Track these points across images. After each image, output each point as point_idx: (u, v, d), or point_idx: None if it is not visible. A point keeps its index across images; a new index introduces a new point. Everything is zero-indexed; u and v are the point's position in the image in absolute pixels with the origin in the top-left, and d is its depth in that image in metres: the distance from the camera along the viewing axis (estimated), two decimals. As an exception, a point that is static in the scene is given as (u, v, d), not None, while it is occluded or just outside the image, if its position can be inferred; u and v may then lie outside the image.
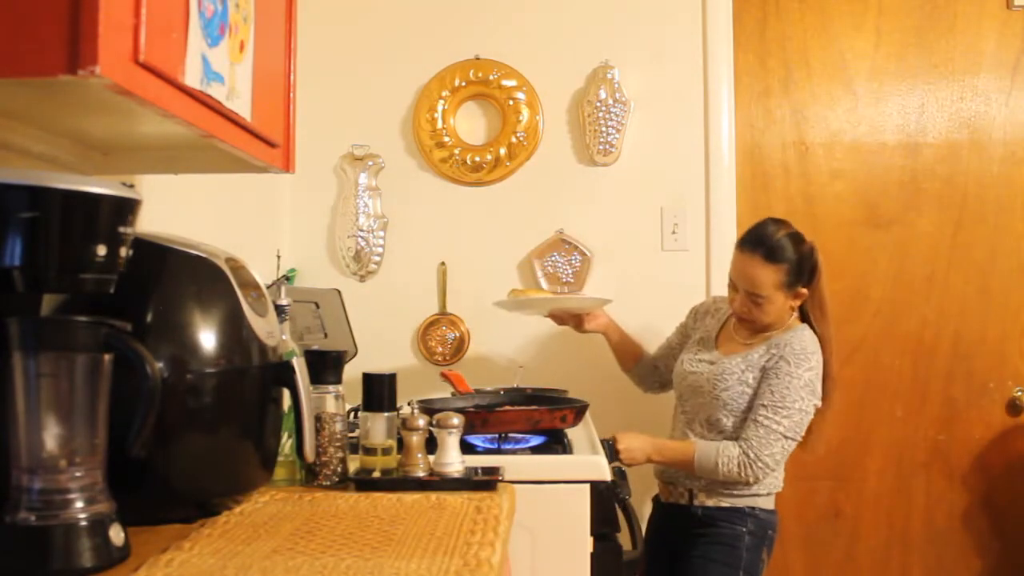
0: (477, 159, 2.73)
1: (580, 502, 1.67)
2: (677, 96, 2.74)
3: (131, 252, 1.00)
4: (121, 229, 0.96)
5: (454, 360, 2.74)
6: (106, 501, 0.95)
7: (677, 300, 2.54)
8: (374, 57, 2.77)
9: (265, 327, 1.21)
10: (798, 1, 2.80)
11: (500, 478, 1.36)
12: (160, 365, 1.02)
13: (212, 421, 1.13)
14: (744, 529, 2.07)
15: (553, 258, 2.73)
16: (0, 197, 0.88)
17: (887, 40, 2.79)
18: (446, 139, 2.74)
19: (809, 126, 2.81)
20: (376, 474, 1.39)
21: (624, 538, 1.81)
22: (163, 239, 1.15)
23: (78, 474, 0.93)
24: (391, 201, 2.77)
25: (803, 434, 2.05)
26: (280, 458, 1.34)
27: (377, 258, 2.76)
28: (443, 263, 2.75)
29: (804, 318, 2.15)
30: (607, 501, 1.72)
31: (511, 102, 2.73)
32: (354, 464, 1.44)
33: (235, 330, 1.16)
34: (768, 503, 2.12)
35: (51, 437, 0.92)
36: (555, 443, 1.85)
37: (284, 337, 1.34)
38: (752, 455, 2.00)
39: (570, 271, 2.72)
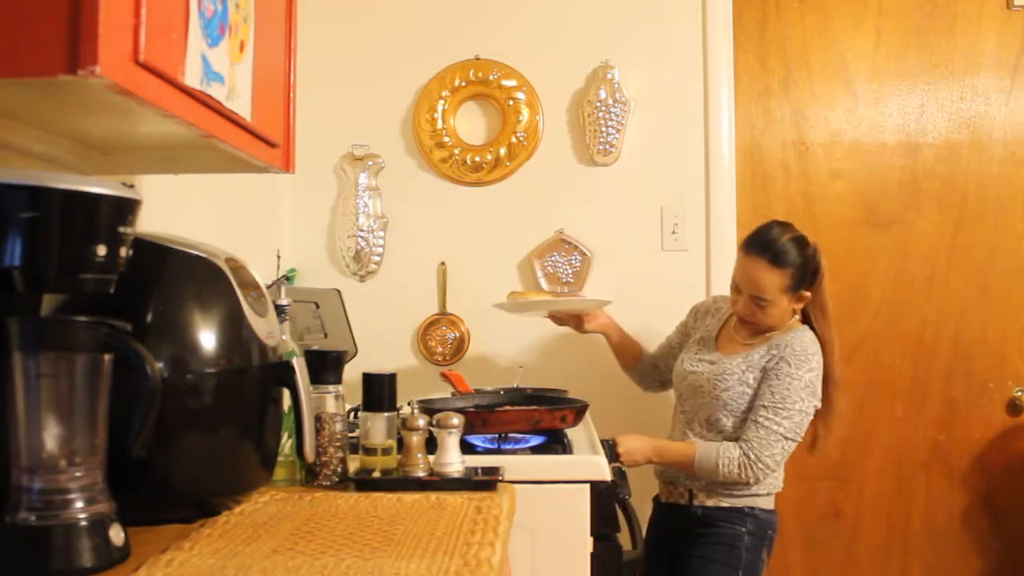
0: (477, 159, 2.73)
1: (580, 502, 1.67)
2: (677, 96, 2.74)
3: (131, 252, 1.00)
4: (121, 229, 0.96)
5: (454, 360, 2.74)
6: (106, 501, 0.95)
7: (677, 300, 2.54)
8: (374, 57, 2.77)
9: (265, 327, 1.21)
10: (798, 1, 2.80)
11: (500, 478, 1.36)
12: (160, 365, 1.02)
13: (212, 421, 1.13)
14: (744, 529, 2.08)
15: (553, 258, 2.73)
16: (0, 197, 0.88)
17: (887, 40, 2.79)
18: (446, 139, 2.74)
19: (809, 126, 2.81)
20: (376, 474, 1.39)
21: (624, 538, 1.81)
22: (163, 239, 1.15)
23: (78, 474, 0.93)
24: (391, 201, 2.77)
25: (803, 435, 2.05)
26: (280, 458, 1.34)
27: (377, 258, 2.76)
28: (443, 263, 2.75)
29: (805, 319, 2.15)
30: (607, 501, 1.72)
31: (511, 102, 2.73)
32: (354, 464, 1.44)
33: (235, 330, 1.16)
34: (768, 503, 2.12)
35: (51, 437, 0.92)
36: (555, 443, 1.85)
37: (284, 337, 1.34)
38: (753, 456, 2.00)
39: (570, 271, 2.72)
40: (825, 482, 2.76)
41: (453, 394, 2.18)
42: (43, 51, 0.81)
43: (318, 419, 1.36)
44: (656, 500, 2.29)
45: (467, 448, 1.73)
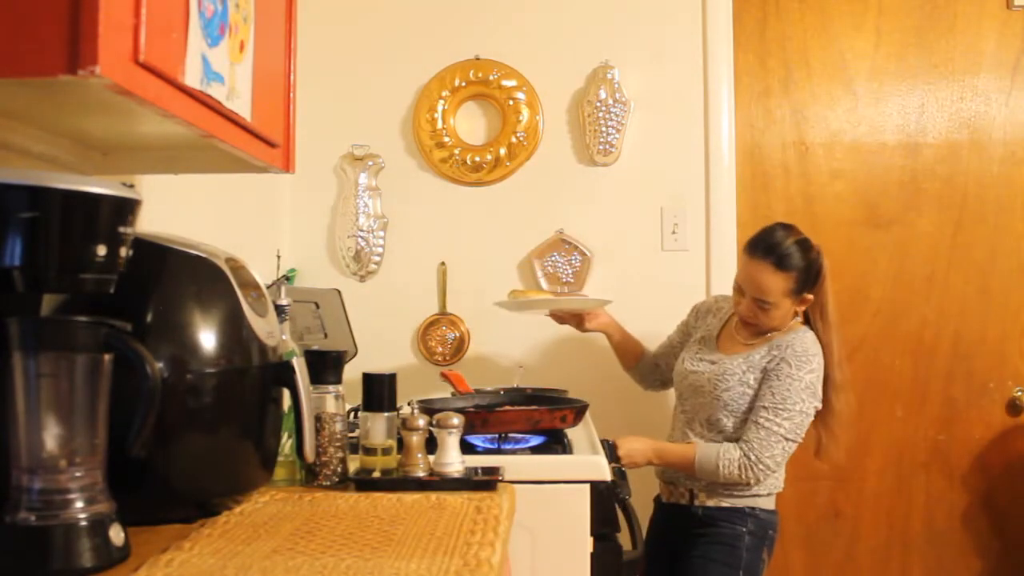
0: (477, 159, 2.73)
1: (580, 502, 1.67)
2: (677, 96, 2.74)
3: (131, 252, 1.00)
4: (121, 229, 0.96)
5: (454, 360, 2.74)
6: (106, 501, 0.95)
7: (677, 300, 2.54)
8: (374, 57, 2.77)
9: (265, 327, 1.21)
10: (798, 1, 2.80)
11: (500, 478, 1.36)
12: (160, 365, 1.02)
13: (212, 421, 1.13)
14: (744, 529, 2.08)
15: (553, 258, 2.73)
16: (0, 197, 0.88)
17: (887, 40, 2.79)
18: (446, 139, 2.74)
19: (809, 126, 2.81)
20: (376, 474, 1.39)
21: (624, 538, 1.81)
22: (163, 239, 1.15)
23: (78, 474, 0.93)
24: (391, 201, 2.77)
25: (803, 435, 2.05)
26: (280, 458, 1.34)
27: (377, 258, 2.76)
28: (443, 263, 2.75)
29: (806, 319, 2.15)
30: (607, 501, 1.72)
31: (511, 102, 2.73)
32: (354, 464, 1.44)
33: (235, 330, 1.16)
34: (769, 503, 2.12)
35: (51, 437, 0.92)
36: (555, 443, 1.85)
37: (284, 337, 1.34)
38: (753, 457, 2.00)
39: (570, 271, 2.72)
40: (825, 482, 2.76)
41: (453, 394, 2.17)
42: (43, 51, 0.81)
43: (318, 419, 1.36)
44: (657, 500, 2.29)
45: (467, 448, 1.73)
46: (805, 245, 2.08)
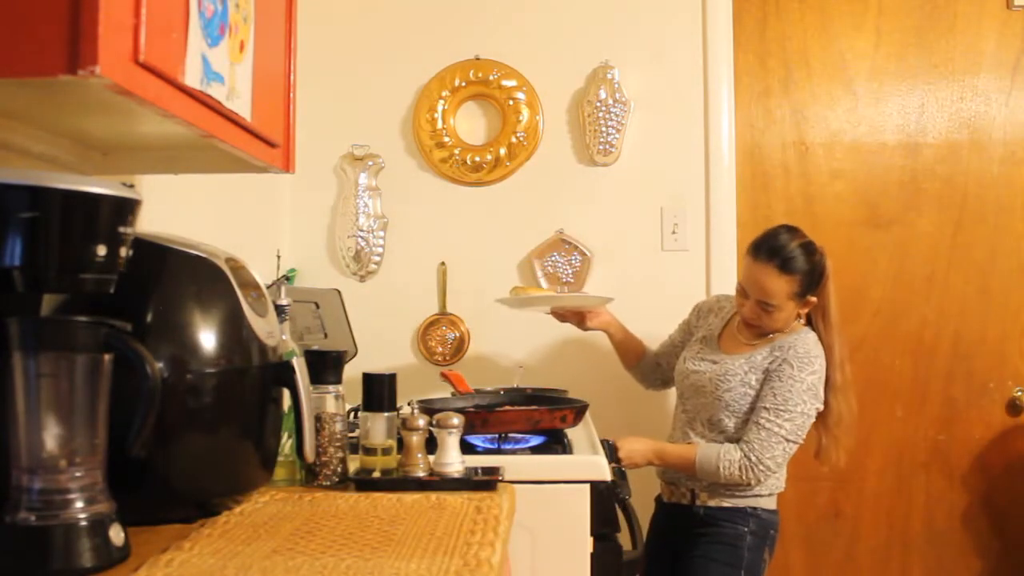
0: (477, 159, 2.73)
1: (580, 502, 1.67)
2: (677, 96, 2.74)
3: (131, 252, 1.00)
4: (121, 229, 0.96)
5: (454, 360, 2.74)
6: (106, 501, 0.95)
7: (677, 300, 2.54)
8: (374, 57, 2.77)
9: (265, 327, 1.21)
10: (798, 1, 2.80)
11: (500, 478, 1.36)
12: (160, 365, 1.02)
13: (212, 421, 1.13)
14: (746, 529, 2.08)
15: (553, 258, 2.73)
16: (0, 197, 0.88)
17: (887, 40, 2.79)
18: (446, 139, 2.74)
19: (809, 126, 2.81)
20: (376, 474, 1.39)
21: (624, 538, 1.81)
22: (163, 239, 1.15)
23: (78, 474, 0.93)
24: (391, 201, 2.77)
25: (804, 437, 2.05)
26: (280, 458, 1.34)
27: (377, 258, 2.76)
28: (443, 263, 2.75)
29: (808, 321, 2.15)
30: (607, 501, 1.72)
31: (511, 102, 2.73)
32: (354, 464, 1.44)
33: (235, 330, 1.16)
34: (770, 503, 2.12)
35: (51, 437, 0.92)
36: (555, 443, 1.85)
37: (284, 337, 1.34)
38: (754, 458, 2.00)
39: (570, 271, 2.72)
40: (825, 482, 2.76)
41: (453, 394, 2.18)
42: (43, 51, 0.81)
43: (318, 419, 1.36)
44: (658, 500, 2.29)
45: (467, 448, 1.73)
46: (809, 248, 2.08)
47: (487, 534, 1.09)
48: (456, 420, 1.39)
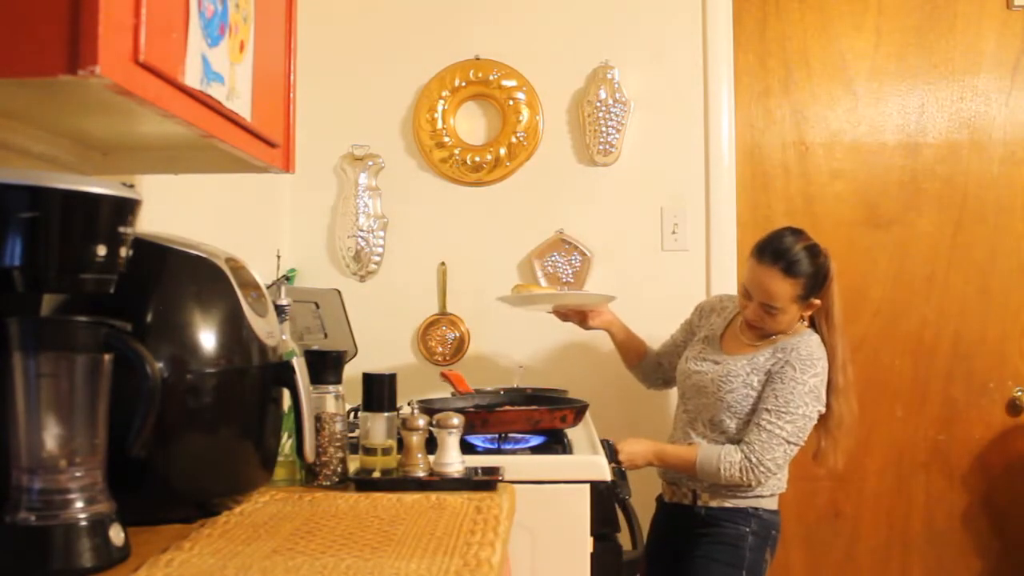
0: (477, 159, 2.73)
1: (580, 502, 1.67)
2: (677, 96, 2.74)
3: (131, 252, 1.00)
4: (121, 229, 0.96)
5: (454, 360, 2.74)
6: (106, 501, 0.95)
7: (677, 300, 2.55)
8: (374, 57, 2.77)
9: (265, 327, 1.21)
10: (798, 1, 2.80)
11: (500, 478, 1.36)
12: (160, 365, 1.02)
13: (212, 421, 1.13)
14: (747, 529, 2.08)
15: (553, 258, 2.73)
16: (0, 197, 0.88)
17: (887, 40, 2.79)
18: (446, 139, 2.74)
19: (809, 126, 2.81)
20: (376, 474, 1.39)
21: (624, 538, 1.81)
22: (163, 239, 1.15)
23: (78, 474, 0.93)
24: (391, 201, 2.77)
25: (806, 439, 2.05)
26: (280, 458, 1.34)
27: (377, 258, 2.76)
28: (443, 263, 2.75)
29: (811, 322, 2.14)
30: (607, 501, 1.72)
31: (511, 102, 2.73)
32: (354, 464, 1.44)
33: (235, 330, 1.16)
34: (771, 504, 2.12)
35: (51, 437, 0.92)
36: (555, 443, 1.85)
37: (284, 337, 1.34)
38: (754, 459, 2.00)
39: (570, 271, 2.72)
40: (825, 482, 2.76)
41: (453, 394, 2.17)
42: (43, 51, 0.81)
43: (318, 419, 1.36)
44: (659, 500, 2.29)
45: (467, 448, 1.73)
46: (814, 251, 2.07)
47: (487, 534, 1.09)
48: (456, 420, 1.39)
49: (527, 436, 1.85)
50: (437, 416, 1.40)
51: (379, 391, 1.45)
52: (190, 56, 1.00)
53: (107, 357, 0.95)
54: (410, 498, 1.28)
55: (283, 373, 1.22)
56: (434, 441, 1.40)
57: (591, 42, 2.74)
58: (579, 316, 2.37)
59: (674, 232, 2.73)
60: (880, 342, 2.78)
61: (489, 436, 1.83)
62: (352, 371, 1.56)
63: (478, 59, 2.74)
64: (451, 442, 1.39)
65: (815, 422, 2.06)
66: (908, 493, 2.79)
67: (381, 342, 2.65)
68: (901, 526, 2.79)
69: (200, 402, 1.11)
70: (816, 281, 2.06)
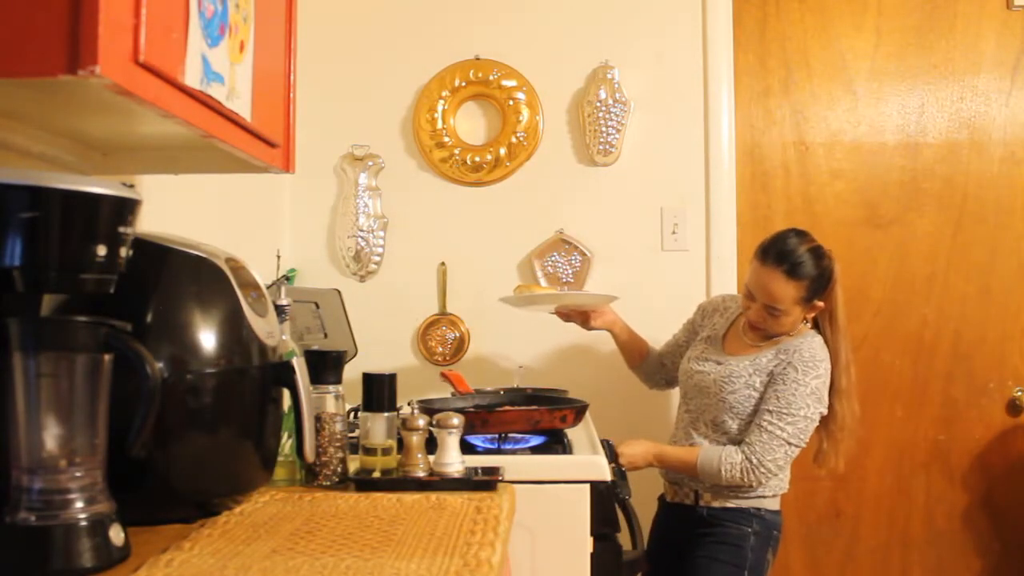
0: (477, 159, 2.73)
1: (580, 502, 1.67)
2: (677, 96, 2.74)
3: (131, 252, 1.00)
4: (121, 229, 0.96)
5: (454, 360, 2.74)
6: (106, 501, 0.95)
7: (677, 300, 2.55)
8: (374, 57, 2.77)
9: (265, 327, 1.21)
10: (798, 1, 2.80)
11: (500, 478, 1.36)
12: (160, 365, 1.02)
13: (212, 421, 1.13)
14: (750, 529, 2.08)
15: (553, 258, 2.73)
16: (0, 197, 0.88)
17: (887, 40, 2.79)
18: (446, 139, 2.74)
19: (809, 126, 2.81)
20: (376, 474, 1.39)
21: (624, 538, 1.81)
22: (163, 239, 1.15)
23: (78, 474, 0.93)
24: (391, 201, 2.77)
25: (807, 440, 2.05)
26: (280, 458, 1.34)
27: (377, 258, 2.76)
28: (443, 263, 2.75)
29: (814, 324, 2.14)
30: (607, 501, 1.72)
31: (511, 102, 2.73)
32: (354, 464, 1.44)
33: (235, 330, 1.16)
34: (774, 504, 2.12)
35: (51, 437, 0.92)
36: (555, 443, 1.85)
37: (284, 337, 1.34)
38: (755, 460, 2.00)
39: (570, 271, 2.72)
40: (825, 482, 2.76)
41: (453, 394, 2.17)
42: (43, 51, 0.81)
43: (318, 419, 1.36)
44: (661, 499, 2.29)
45: (467, 448, 1.73)
46: (818, 253, 2.06)
47: (487, 534, 1.09)
48: (456, 420, 1.39)
49: (527, 436, 1.85)
50: (437, 416, 1.40)
51: (379, 391, 1.44)
52: (190, 56, 1.00)
53: (107, 357, 0.95)
54: (410, 498, 1.28)
55: (283, 373, 1.22)
56: (434, 441, 1.40)
57: (591, 42, 2.74)
58: (581, 317, 2.36)
59: (674, 232, 2.73)
60: (880, 342, 2.78)
61: (489, 436, 1.83)
62: (352, 371, 1.56)
63: (478, 59, 2.74)
64: (451, 442, 1.39)
65: (816, 423, 2.06)
66: (908, 493, 2.79)
67: (381, 342, 2.65)
68: (901, 526, 2.79)
69: (200, 402, 1.11)
70: (820, 283, 2.06)
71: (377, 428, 1.43)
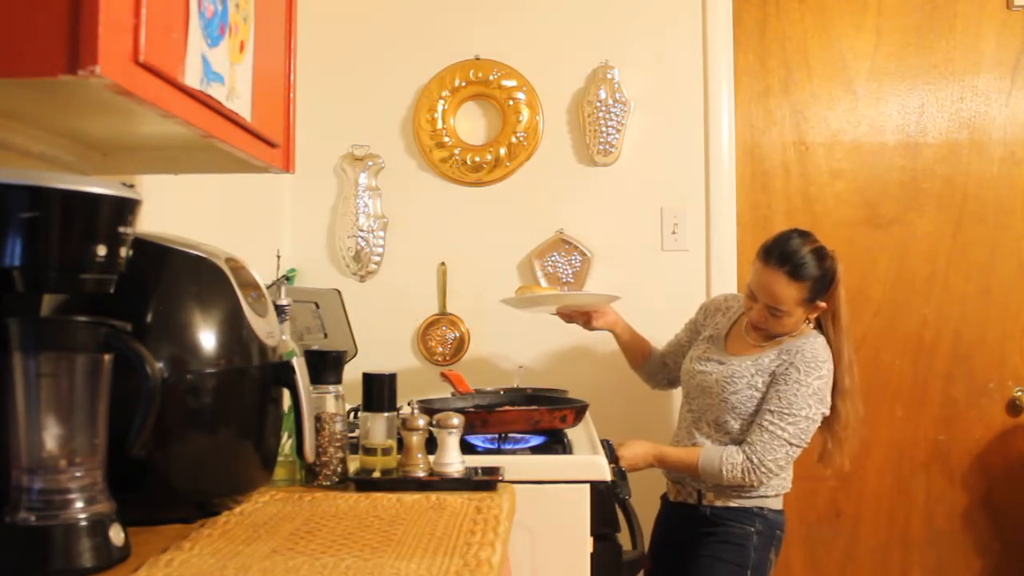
0: (477, 159, 2.73)
1: (580, 502, 1.67)
2: (677, 96, 2.74)
3: (131, 252, 1.00)
4: (121, 229, 0.96)
5: (454, 360, 2.74)
6: (106, 501, 0.95)
7: (677, 300, 2.55)
8: (374, 57, 2.77)
9: (265, 327, 1.21)
10: (798, 1, 2.80)
11: (500, 478, 1.36)
12: (160, 365, 1.02)
13: (212, 421, 1.13)
14: (753, 529, 2.07)
15: (553, 258, 2.73)
16: (0, 197, 0.88)
17: (887, 40, 2.79)
18: (446, 139, 2.74)
19: (809, 126, 2.81)
20: (376, 474, 1.39)
21: (624, 538, 1.81)
22: (163, 239, 1.15)
23: (78, 474, 0.93)
24: (391, 201, 2.77)
25: (809, 441, 2.05)
26: (280, 458, 1.34)
27: (377, 258, 2.76)
28: (443, 263, 2.75)
29: (817, 324, 2.14)
30: (607, 501, 1.72)
31: (511, 102, 2.73)
32: (354, 464, 1.44)
33: (235, 330, 1.16)
34: (777, 503, 2.12)
35: (51, 437, 0.92)
36: (555, 443, 1.85)
37: (284, 337, 1.34)
38: (756, 460, 2.00)
39: (570, 271, 2.72)
40: (825, 482, 2.76)
41: (453, 394, 2.17)
42: (43, 51, 0.81)
43: (318, 419, 1.36)
44: (664, 498, 2.29)
45: (467, 448, 1.73)
46: (821, 254, 2.06)
47: (487, 534, 1.09)
48: (456, 420, 1.39)
49: (527, 436, 1.85)
50: (437, 416, 1.40)
51: (379, 391, 1.44)
52: (190, 56, 1.00)
53: (107, 357, 0.95)
54: (410, 498, 1.28)
55: (283, 373, 1.22)
56: (434, 441, 1.40)
57: (591, 42, 2.74)
58: (584, 317, 2.35)
59: (674, 232, 2.73)
60: (880, 342, 2.78)
61: (489, 436, 1.83)
62: (352, 371, 1.56)
63: (478, 59, 2.74)
64: (451, 442, 1.39)
65: (818, 424, 2.05)
66: (908, 493, 2.79)
67: (381, 342, 2.65)
68: (901, 526, 2.79)
69: (200, 402, 1.11)
70: (822, 284, 2.06)
71: (377, 428, 1.43)
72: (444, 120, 2.74)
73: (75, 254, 0.92)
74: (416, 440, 1.39)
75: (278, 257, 2.50)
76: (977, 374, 2.77)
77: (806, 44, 2.80)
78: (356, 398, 1.50)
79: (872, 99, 2.80)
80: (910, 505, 2.79)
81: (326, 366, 1.43)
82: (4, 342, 0.91)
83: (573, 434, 1.93)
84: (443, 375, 2.27)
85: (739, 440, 2.07)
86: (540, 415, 1.82)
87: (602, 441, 1.95)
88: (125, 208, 0.97)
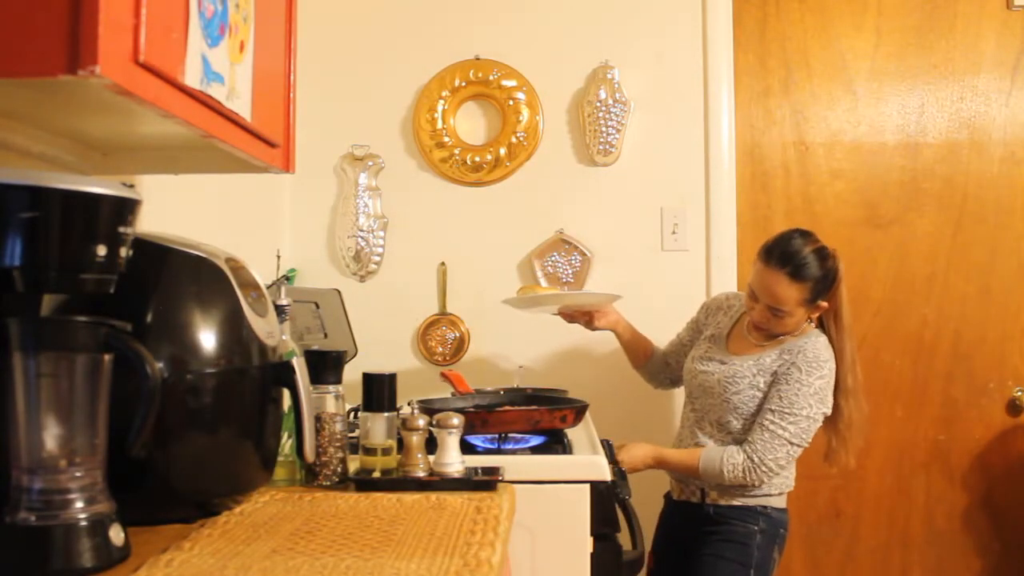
0: (477, 159, 2.73)
1: (580, 502, 1.67)
2: (677, 96, 2.74)
3: (131, 252, 1.00)
4: (121, 229, 0.96)
5: (454, 360, 2.74)
6: (106, 501, 0.95)
7: (677, 300, 2.55)
8: (374, 57, 2.77)
9: (265, 327, 1.21)
10: (798, 1, 2.80)
11: (500, 478, 1.36)
12: (160, 365, 1.02)
13: (212, 421, 1.13)
14: (756, 527, 2.07)
15: (553, 258, 2.73)
16: (0, 197, 0.88)
17: (887, 40, 2.79)
18: (446, 139, 2.74)
19: (809, 126, 2.81)
20: (376, 474, 1.39)
21: (624, 538, 1.81)
22: (163, 239, 1.15)
23: (78, 474, 0.93)
24: (391, 201, 2.77)
25: (810, 440, 2.05)
26: (280, 458, 1.34)
27: (377, 258, 2.76)
28: (443, 263, 2.75)
29: (819, 323, 2.14)
30: (607, 501, 1.72)
31: (511, 102, 2.73)
32: (354, 464, 1.44)
33: (235, 330, 1.16)
34: (780, 502, 2.12)
35: (51, 437, 0.92)
36: (555, 443, 1.85)
37: (284, 337, 1.34)
38: (756, 459, 2.00)
39: (570, 271, 2.72)
40: (826, 482, 2.76)
41: (453, 394, 2.17)
42: (43, 51, 0.81)
43: (318, 419, 1.36)
44: (667, 497, 2.28)
45: (467, 448, 1.73)
46: (822, 254, 2.05)
47: (487, 534, 1.09)
48: (456, 420, 1.39)
49: (527, 436, 1.85)
50: (437, 416, 1.40)
51: (379, 391, 1.44)
52: (190, 56, 1.00)
53: (107, 357, 0.95)
54: (410, 498, 1.28)
55: (283, 373, 1.22)
56: (434, 441, 1.40)
57: (591, 42, 2.74)
58: (585, 317, 2.35)
59: (674, 232, 2.73)
60: (880, 342, 2.78)
61: (489, 436, 1.83)
62: (352, 371, 1.56)
63: (478, 59, 2.74)
64: (451, 442, 1.39)
65: (819, 423, 2.05)
66: (908, 493, 2.79)
67: (381, 342, 2.65)
68: (901, 526, 2.79)
69: (200, 402, 1.11)
70: (824, 285, 2.05)
71: (377, 428, 1.43)
72: (444, 120, 2.74)
73: (75, 254, 0.92)
74: (416, 440, 1.39)
75: (278, 257, 2.50)
76: (977, 374, 2.77)
77: (806, 44, 2.80)
78: (356, 398, 1.50)
79: (872, 99, 2.80)
80: (910, 505, 2.79)
81: (326, 366, 1.43)
82: (4, 342, 0.91)
83: (573, 434, 1.93)
84: (443, 375, 2.27)
85: (741, 440, 2.07)
86: (540, 415, 1.82)
87: (602, 441, 1.95)
88: (125, 208, 0.97)
